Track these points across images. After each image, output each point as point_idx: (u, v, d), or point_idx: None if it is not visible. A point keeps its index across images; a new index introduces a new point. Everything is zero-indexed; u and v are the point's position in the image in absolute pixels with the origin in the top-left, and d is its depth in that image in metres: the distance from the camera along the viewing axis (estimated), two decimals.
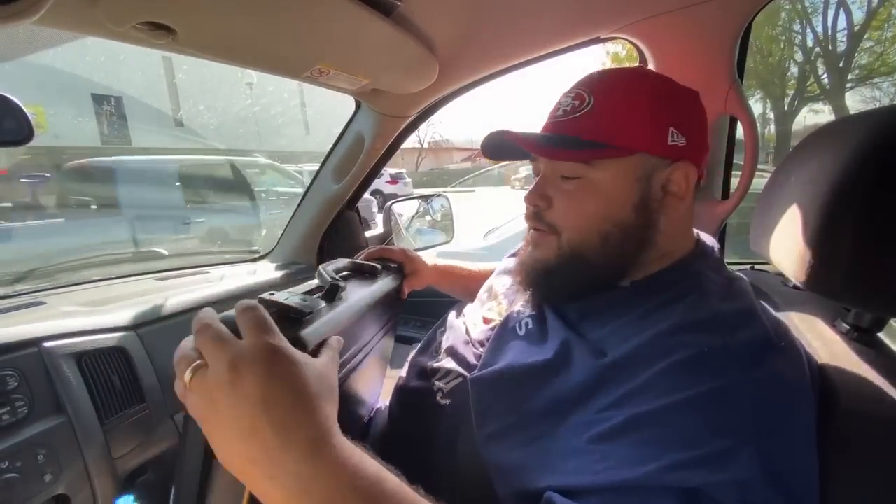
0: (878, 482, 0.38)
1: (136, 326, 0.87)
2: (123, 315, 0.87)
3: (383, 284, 0.68)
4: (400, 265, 0.81)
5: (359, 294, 0.58)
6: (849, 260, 0.43)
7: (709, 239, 0.58)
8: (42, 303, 0.97)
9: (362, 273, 0.68)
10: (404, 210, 1.81)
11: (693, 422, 0.36)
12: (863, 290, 0.44)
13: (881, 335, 0.50)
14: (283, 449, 0.30)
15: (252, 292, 1.15)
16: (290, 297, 0.43)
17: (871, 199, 0.41)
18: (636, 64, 0.87)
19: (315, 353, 0.37)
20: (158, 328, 0.91)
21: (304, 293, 0.48)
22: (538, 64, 0.98)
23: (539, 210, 0.55)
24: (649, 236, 0.51)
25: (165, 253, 1.48)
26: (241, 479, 0.32)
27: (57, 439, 0.70)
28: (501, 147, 0.60)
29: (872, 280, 0.43)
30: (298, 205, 1.39)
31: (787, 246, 0.50)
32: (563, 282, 0.54)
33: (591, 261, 0.51)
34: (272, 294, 0.43)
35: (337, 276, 0.56)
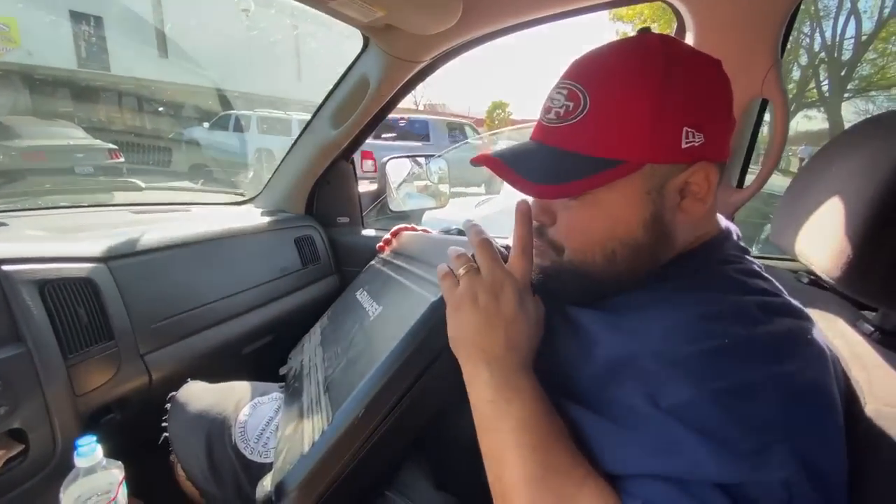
0: (893, 484, 0.37)
1: (107, 259, 0.80)
2: (94, 245, 0.81)
3: None
4: None
5: None
6: (890, 260, 0.41)
7: (733, 228, 0.54)
8: (3, 223, 0.89)
9: None
10: (399, 168, 1.74)
11: (722, 417, 0.33)
12: None
13: None
14: (504, 358, 0.42)
15: (238, 235, 1.09)
16: None
17: None
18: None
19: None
20: (132, 263, 0.85)
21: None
22: (548, 34, 0.91)
23: (543, 226, 0.49)
24: (663, 247, 0.46)
25: (142, 185, 1.38)
26: (460, 358, 0.44)
27: (13, 370, 0.64)
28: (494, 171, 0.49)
29: None
30: (290, 149, 1.31)
31: (817, 240, 0.48)
32: (564, 289, 0.48)
33: (593, 276, 0.46)
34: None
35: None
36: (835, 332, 0.50)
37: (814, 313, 0.52)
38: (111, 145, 5.48)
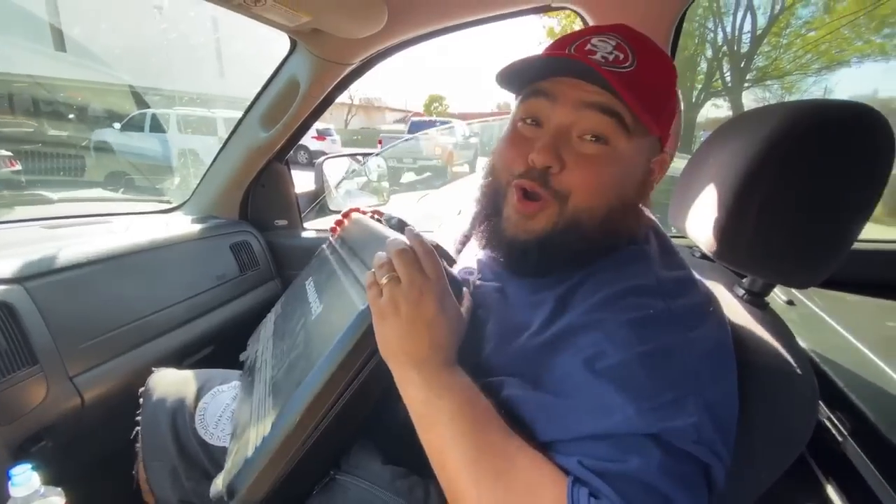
0: (763, 415, 0.46)
1: (22, 279, 0.75)
2: (6, 265, 0.75)
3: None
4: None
5: None
6: (752, 235, 0.50)
7: (651, 215, 0.62)
8: None
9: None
10: (336, 168, 1.73)
11: (646, 376, 0.39)
12: (761, 261, 0.52)
13: (767, 299, 0.59)
14: (430, 359, 0.44)
15: (169, 244, 1.05)
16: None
17: (773, 184, 0.47)
18: None
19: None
20: (51, 281, 0.80)
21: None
22: (480, 28, 0.96)
23: (546, 172, 0.47)
24: (633, 214, 0.51)
25: (54, 198, 1.27)
26: (389, 364, 0.45)
27: None
28: (575, 69, 0.46)
29: (770, 254, 0.50)
30: (219, 152, 1.27)
31: (701, 221, 0.56)
32: (552, 257, 0.49)
33: (586, 232, 0.47)
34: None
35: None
36: (718, 295, 0.60)
37: (704, 282, 0.62)
38: (5, 152, 4.87)
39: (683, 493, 0.36)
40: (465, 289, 0.52)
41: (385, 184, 1.88)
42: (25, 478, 0.59)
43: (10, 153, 4.84)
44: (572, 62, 0.45)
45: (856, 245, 0.49)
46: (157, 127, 6.99)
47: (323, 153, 1.83)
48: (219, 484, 0.51)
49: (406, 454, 0.50)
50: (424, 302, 0.43)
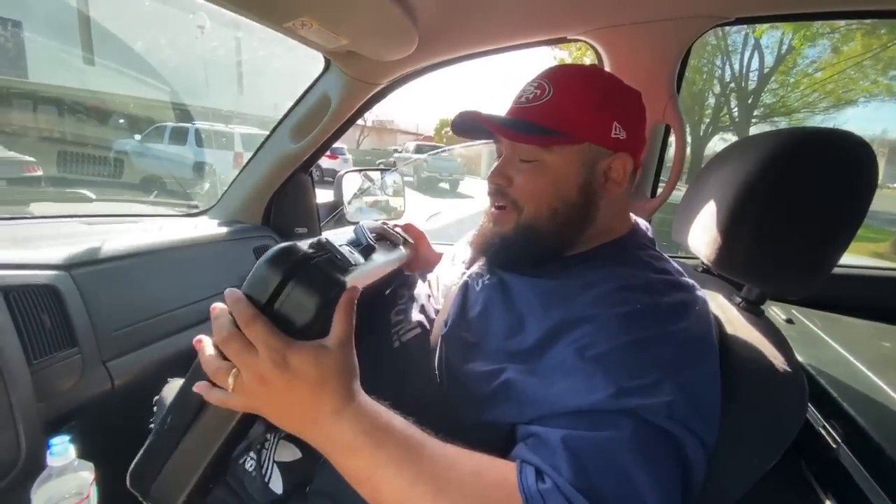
0: (753, 408, 0.50)
1: (69, 266, 0.81)
2: (55, 253, 0.81)
3: (400, 256, 0.73)
4: (413, 243, 0.83)
5: (383, 258, 0.64)
6: (747, 247, 0.55)
7: (644, 224, 0.68)
8: None
9: (388, 240, 0.74)
10: (353, 182, 1.80)
11: (630, 361, 0.45)
12: (755, 271, 0.57)
13: (763, 307, 0.63)
14: (313, 420, 0.41)
15: (197, 244, 1.11)
16: (339, 242, 0.49)
17: (766, 201, 0.53)
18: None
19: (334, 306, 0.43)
20: (94, 270, 0.86)
21: (347, 243, 0.54)
22: (503, 55, 1.05)
23: (501, 187, 0.61)
24: (590, 213, 0.58)
25: (92, 196, 1.35)
26: (296, 434, 0.42)
27: None
28: (469, 126, 0.65)
29: (762, 264, 0.55)
30: (248, 161, 1.34)
31: (702, 235, 0.62)
32: (519, 252, 0.60)
33: (542, 232, 0.58)
34: (327, 240, 0.46)
35: (372, 238, 0.61)
36: (717, 304, 0.65)
37: (704, 292, 0.66)
38: (27, 157, 5.08)
39: (648, 474, 0.39)
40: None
41: (400, 200, 1.94)
42: (63, 448, 0.63)
43: (32, 159, 5.03)
44: (474, 121, 0.60)
45: (853, 270, 0.54)
46: (197, 139, 7.31)
47: (335, 171, 1.91)
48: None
49: None
50: (295, 360, 0.39)
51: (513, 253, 0.61)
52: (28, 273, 0.74)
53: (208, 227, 1.24)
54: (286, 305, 0.41)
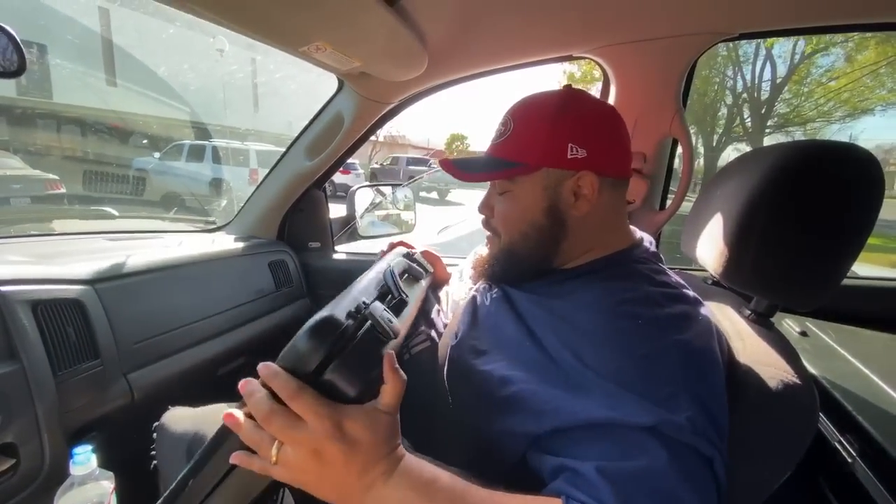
0: (762, 420, 0.50)
1: (94, 281, 0.84)
2: (80, 268, 0.85)
3: (423, 289, 0.75)
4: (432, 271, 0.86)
5: (413, 303, 0.65)
6: (754, 259, 0.55)
7: (648, 238, 0.68)
8: None
9: (412, 275, 0.75)
10: (365, 197, 1.84)
11: (640, 375, 0.45)
12: (763, 283, 0.57)
13: (777, 320, 0.63)
14: (366, 486, 0.40)
15: (215, 259, 1.14)
16: (372, 297, 0.50)
17: (773, 213, 0.53)
18: (595, 84, 0.98)
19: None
20: (117, 286, 0.89)
21: (380, 295, 0.55)
22: (511, 72, 1.07)
23: (486, 218, 0.67)
24: (560, 232, 0.60)
25: (116, 213, 1.40)
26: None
27: (8, 386, 0.67)
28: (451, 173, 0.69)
29: (770, 276, 0.55)
30: (264, 178, 1.38)
31: (710, 248, 0.62)
32: (504, 271, 0.65)
33: (518, 255, 0.62)
34: (366, 305, 0.45)
35: (403, 289, 0.60)
36: (724, 315, 0.65)
37: (713, 304, 0.67)
38: (51, 176, 5.27)
39: (693, 492, 0.39)
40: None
41: (411, 213, 1.97)
42: (85, 458, 0.65)
43: (56, 177, 5.23)
44: (449, 167, 0.65)
45: (871, 282, 0.54)
46: (215, 157, 7.52)
47: (347, 186, 1.95)
48: None
49: None
50: (325, 455, 0.39)
51: (496, 270, 0.66)
52: (55, 287, 0.78)
53: (225, 242, 1.28)
54: (333, 379, 0.40)
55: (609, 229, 0.63)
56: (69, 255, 0.96)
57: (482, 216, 0.68)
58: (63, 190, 5.10)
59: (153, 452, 0.78)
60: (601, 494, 0.39)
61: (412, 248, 0.87)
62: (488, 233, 0.68)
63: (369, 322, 0.43)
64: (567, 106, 0.59)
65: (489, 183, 0.67)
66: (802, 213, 0.52)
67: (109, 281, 0.88)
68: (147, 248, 1.09)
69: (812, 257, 0.53)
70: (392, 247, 0.88)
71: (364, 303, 0.45)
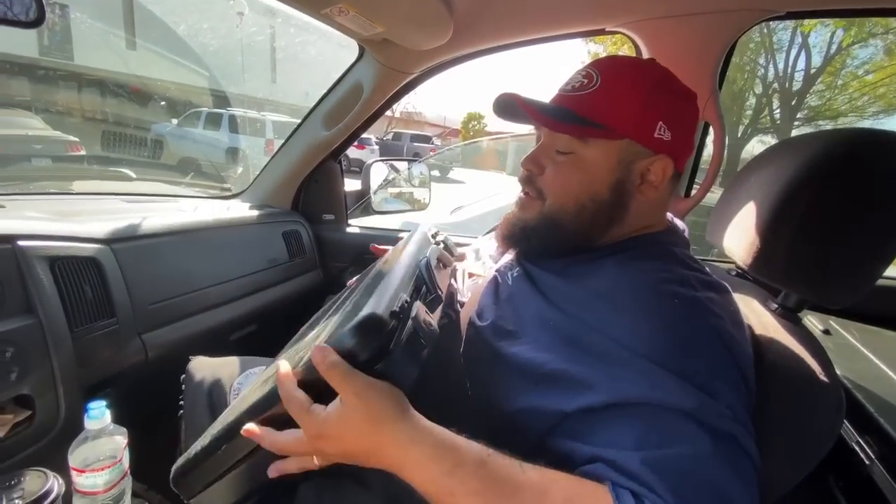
0: (785, 417, 0.48)
1: (111, 241, 0.85)
2: (98, 227, 0.85)
3: (449, 274, 0.70)
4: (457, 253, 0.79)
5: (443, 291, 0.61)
6: (788, 251, 0.53)
7: (681, 224, 0.66)
8: (0, 206, 0.91)
9: (442, 262, 0.68)
10: (380, 172, 1.82)
11: (676, 356, 0.43)
12: (795, 276, 0.54)
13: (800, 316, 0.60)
14: (377, 453, 0.40)
15: (230, 225, 1.14)
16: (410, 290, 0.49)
17: (811, 203, 0.50)
18: None
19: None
20: (134, 246, 0.89)
21: (416, 287, 0.53)
22: (536, 48, 1.03)
23: (532, 175, 0.59)
24: (618, 215, 0.56)
25: (133, 175, 1.40)
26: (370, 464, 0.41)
27: (26, 339, 0.69)
28: (508, 109, 0.62)
29: (804, 269, 0.53)
30: (281, 147, 1.37)
31: (739, 236, 0.59)
32: (539, 241, 0.59)
33: (564, 226, 0.56)
34: (409, 305, 0.45)
35: (438, 286, 0.57)
36: (750, 309, 0.62)
37: (738, 297, 0.64)
38: (71, 137, 5.33)
39: (741, 485, 0.38)
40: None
41: (425, 191, 1.95)
42: (100, 412, 0.66)
43: (76, 139, 5.28)
44: (514, 104, 0.57)
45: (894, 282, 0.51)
46: (231, 125, 7.57)
47: (361, 161, 1.93)
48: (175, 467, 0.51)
49: None
50: (341, 437, 0.40)
51: (532, 243, 0.60)
52: (73, 245, 0.78)
53: (240, 210, 1.28)
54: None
55: (652, 214, 0.60)
56: (87, 214, 0.97)
57: (525, 171, 0.60)
58: (83, 152, 5.16)
59: (181, 402, 0.79)
60: (648, 481, 0.37)
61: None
62: (524, 192, 0.61)
63: (412, 324, 0.43)
64: (664, 82, 0.55)
65: (535, 136, 0.61)
66: (845, 204, 0.49)
67: (126, 241, 0.88)
68: (163, 212, 1.09)
69: (851, 252, 0.50)
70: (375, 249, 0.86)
71: (407, 301, 0.45)
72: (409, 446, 0.39)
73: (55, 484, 0.52)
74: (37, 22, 0.55)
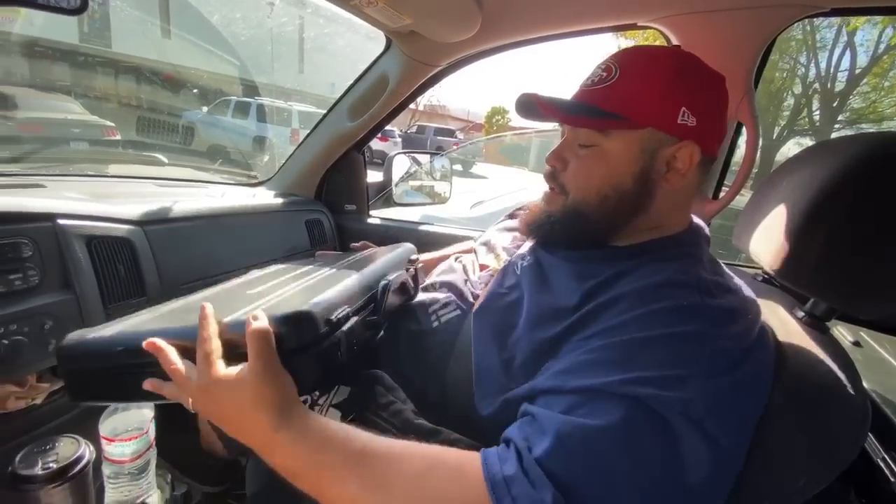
0: (807, 431, 0.47)
1: (143, 223, 0.88)
2: (132, 209, 0.88)
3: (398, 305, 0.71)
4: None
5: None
6: (818, 257, 0.51)
7: (703, 224, 0.65)
8: (42, 185, 0.96)
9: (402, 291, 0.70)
10: (403, 165, 1.83)
11: (658, 352, 0.43)
12: (824, 284, 0.52)
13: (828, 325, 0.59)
14: (250, 432, 0.44)
15: (256, 212, 1.17)
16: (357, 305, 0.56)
17: (848, 210, 0.49)
18: None
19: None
20: (165, 229, 0.92)
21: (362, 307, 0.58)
22: (565, 41, 1.01)
23: (556, 171, 0.61)
24: (643, 204, 0.56)
25: (165, 161, 1.45)
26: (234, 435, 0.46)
27: (63, 313, 0.72)
28: (530, 108, 0.62)
29: (834, 277, 0.51)
30: (306, 137, 1.39)
31: (767, 240, 0.58)
32: (562, 232, 0.60)
33: (588, 217, 0.57)
34: (347, 316, 0.52)
35: (385, 313, 0.62)
36: (776, 316, 0.61)
37: (763, 303, 0.63)
38: (108, 122, 5.52)
39: (630, 460, 0.38)
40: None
41: (446, 185, 1.95)
42: None
43: (112, 124, 5.47)
44: (533, 104, 0.58)
45: None
46: (259, 114, 7.77)
47: (384, 153, 1.94)
48: None
49: None
50: (214, 392, 0.44)
51: (555, 229, 0.61)
52: (108, 225, 0.81)
53: (265, 198, 1.31)
54: (295, 370, 0.46)
55: (680, 209, 0.60)
56: (122, 196, 1.01)
57: (549, 167, 0.62)
58: (118, 136, 5.35)
59: None
60: (536, 439, 0.40)
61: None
62: (550, 188, 0.62)
63: (339, 336, 0.48)
64: (685, 67, 0.55)
65: (559, 133, 0.62)
66: (882, 211, 0.48)
67: (157, 224, 0.91)
68: (193, 197, 1.12)
69: (886, 262, 0.48)
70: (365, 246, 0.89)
71: (347, 315, 0.51)
72: (277, 433, 0.43)
73: (87, 451, 0.55)
74: (80, 9, 0.57)
